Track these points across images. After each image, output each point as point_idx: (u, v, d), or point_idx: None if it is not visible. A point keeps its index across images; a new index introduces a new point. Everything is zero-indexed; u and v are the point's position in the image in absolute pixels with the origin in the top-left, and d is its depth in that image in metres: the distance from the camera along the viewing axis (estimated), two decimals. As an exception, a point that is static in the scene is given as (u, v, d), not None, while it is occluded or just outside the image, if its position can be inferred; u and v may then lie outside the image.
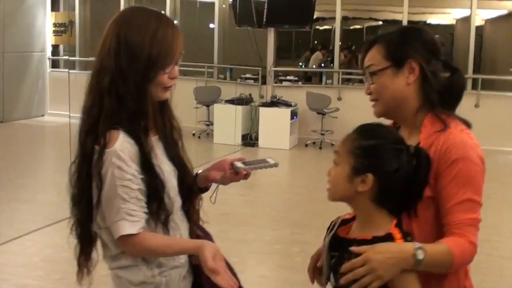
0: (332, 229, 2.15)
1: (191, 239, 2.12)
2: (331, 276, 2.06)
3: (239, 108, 10.85)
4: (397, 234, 1.92)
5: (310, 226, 6.25)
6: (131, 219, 1.92)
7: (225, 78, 12.33)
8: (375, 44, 2.10)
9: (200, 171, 2.25)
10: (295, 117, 10.91)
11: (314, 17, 11.60)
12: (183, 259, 2.10)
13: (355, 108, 11.11)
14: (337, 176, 1.95)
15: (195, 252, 1.95)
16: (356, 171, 1.91)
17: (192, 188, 2.15)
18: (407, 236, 1.94)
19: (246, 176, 2.18)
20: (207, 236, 2.22)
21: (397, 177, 1.90)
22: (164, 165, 2.03)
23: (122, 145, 1.90)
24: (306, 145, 11.04)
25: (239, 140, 10.71)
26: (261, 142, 10.66)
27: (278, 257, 5.66)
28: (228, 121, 10.81)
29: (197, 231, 2.18)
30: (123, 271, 2.03)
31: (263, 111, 10.76)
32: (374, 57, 2.09)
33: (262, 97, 11.41)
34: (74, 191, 2.00)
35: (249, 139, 10.79)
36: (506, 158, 9.80)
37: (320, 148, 10.96)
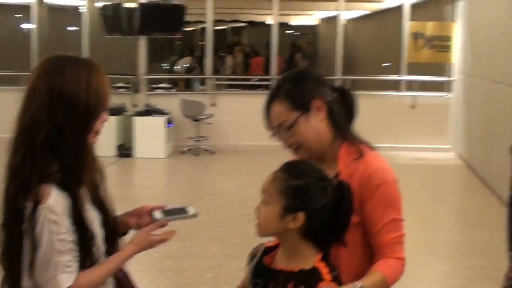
0: (254, 255, 2.15)
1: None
2: None
3: (112, 118, 10.55)
4: (323, 268, 1.97)
5: (199, 238, 6.21)
6: (68, 270, 1.87)
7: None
8: (273, 101, 2.14)
9: (119, 215, 2.19)
10: (170, 125, 10.79)
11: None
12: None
13: (229, 113, 11.26)
14: (268, 215, 1.99)
15: (137, 251, 2.02)
16: (287, 210, 1.95)
17: (115, 232, 2.10)
18: (334, 270, 2.00)
19: (163, 226, 2.13)
20: (124, 275, 2.21)
21: (324, 212, 1.96)
22: (90, 213, 1.97)
23: (55, 200, 1.84)
24: (183, 152, 10.96)
25: (114, 151, 10.44)
26: (137, 152, 10.46)
27: (170, 274, 5.57)
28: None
29: (117, 273, 2.12)
30: None
31: (137, 120, 10.56)
32: (282, 113, 2.12)
33: (135, 105, 11.19)
34: (3, 250, 1.91)
35: (125, 150, 10.55)
36: (385, 153, 10.12)
37: (197, 154, 10.93)
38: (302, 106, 2.11)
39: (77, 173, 1.91)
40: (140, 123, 10.53)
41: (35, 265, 1.85)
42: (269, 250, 2.14)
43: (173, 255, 5.91)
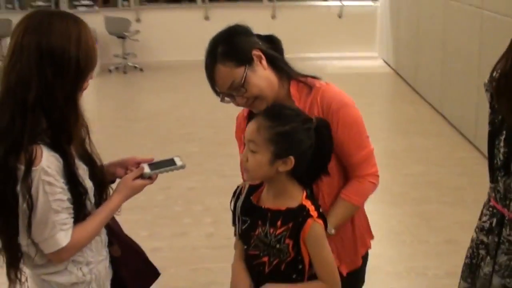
0: (239, 193, 2.18)
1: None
2: (237, 236, 2.18)
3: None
4: (310, 206, 2.05)
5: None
6: (65, 227, 1.87)
7: (13, 8, 11.38)
8: (215, 67, 2.14)
9: (106, 164, 2.17)
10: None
11: None
12: (105, 251, 2.12)
13: (155, 28, 11.01)
14: (258, 162, 2.01)
15: (123, 198, 2.03)
16: (277, 156, 2.00)
17: (103, 183, 2.08)
18: (319, 207, 2.09)
19: (152, 180, 2.13)
20: (114, 221, 2.23)
21: (310, 152, 2.03)
22: (80, 169, 1.94)
23: (48, 160, 1.80)
24: (110, 71, 10.72)
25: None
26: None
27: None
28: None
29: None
30: (52, 276, 1.97)
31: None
32: (228, 74, 2.13)
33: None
34: None
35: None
36: (314, 63, 10.24)
37: (125, 72, 10.73)
38: (244, 60, 2.13)
39: (68, 131, 1.87)
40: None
41: (32, 225, 1.83)
42: (254, 188, 2.17)
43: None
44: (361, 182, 2.24)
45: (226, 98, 2.19)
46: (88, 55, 1.84)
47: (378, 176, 2.27)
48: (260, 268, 2.08)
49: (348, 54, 11.20)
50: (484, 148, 5.87)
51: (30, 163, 1.77)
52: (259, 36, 2.24)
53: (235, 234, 2.29)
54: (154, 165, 2.13)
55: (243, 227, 2.14)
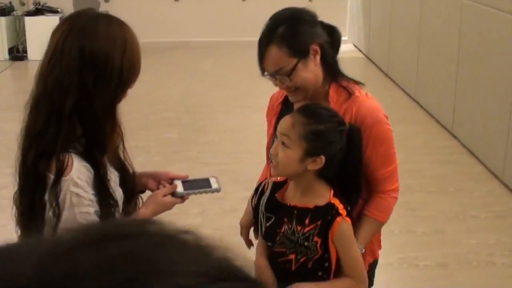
0: (262, 189, 2.20)
1: None
2: (261, 233, 2.21)
3: (2, 19, 9.88)
4: (338, 204, 2.07)
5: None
6: None
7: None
8: (269, 46, 2.10)
9: (138, 173, 2.11)
10: (63, 24, 10.20)
11: None
12: None
13: (126, 8, 10.76)
14: (288, 158, 2.02)
15: (150, 214, 1.95)
16: (308, 154, 2.01)
17: (133, 191, 2.04)
18: (347, 206, 2.11)
19: (183, 200, 2.07)
20: None
21: (340, 155, 2.06)
22: (111, 175, 1.89)
23: (78, 171, 1.73)
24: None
25: (5, 55, 9.81)
26: (30, 54, 9.87)
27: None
28: (-11, 34, 9.80)
29: None
30: None
31: (28, 20, 9.90)
32: (279, 60, 2.10)
33: (23, 4, 10.47)
34: (24, 218, 1.81)
35: (17, 52, 9.95)
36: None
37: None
38: (301, 52, 2.10)
39: (102, 142, 1.81)
40: (31, 23, 9.87)
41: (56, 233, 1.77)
42: (278, 186, 2.18)
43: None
44: (384, 198, 2.24)
45: (268, 76, 2.16)
46: (132, 65, 1.78)
47: (399, 190, 2.28)
48: (287, 265, 2.10)
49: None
50: (463, 137, 5.99)
51: (60, 172, 1.72)
52: (322, 24, 2.21)
53: (255, 230, 2.30)
54: (188, 184, 2.07)
55: (268, 224, 2.15)
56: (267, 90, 2.52)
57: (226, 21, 10.88)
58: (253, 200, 2.24)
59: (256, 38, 2.18)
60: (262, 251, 2.21)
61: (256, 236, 2.33)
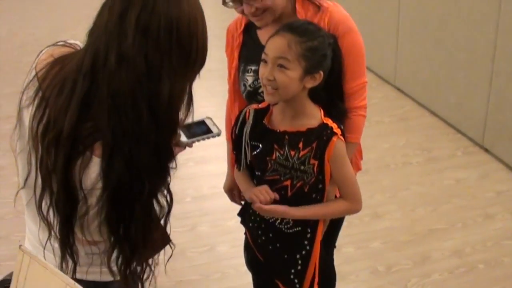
0: (243, 118, 2.12)
1: None
2: (245, 164, 2.15)
3: None
4: (331, 123, 2.04)
5: (1, 94, 5.68)
6: None
7: None
8: None
9: None
10: None
11: None
12: None
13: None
14: (288, 79, 1.96)
15: None
16: (308, 72, 1.97)
17: None
18: (340, 125, 2.08)
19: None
20: None
21: (329, 68, 2.04)
22: None
23: None
24: None
25: None
26: None
27: None
28: None
29: None
30: None
31: None
32: None
33: None
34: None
35: None
36: None
37: None
38: None
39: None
40: None
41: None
42: (260, 112, 2.12)
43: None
44: (352, 118, 2.20)
45: (230, 3, 2.08)
46: (205, 51, 1.49)
47: (366, 108, 2.25)
48: (282, 192, 2.07)
49: None
50: (405, 88, 5.66)
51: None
52: None
53: (235, 162, 2.21)
54: (187, 130, 1.77)
55: (254, 152, 2.10)
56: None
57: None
58: (234, 131, 2.15)
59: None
60: (245, 181, 2.20)
61: (238, 170, 2.23)
